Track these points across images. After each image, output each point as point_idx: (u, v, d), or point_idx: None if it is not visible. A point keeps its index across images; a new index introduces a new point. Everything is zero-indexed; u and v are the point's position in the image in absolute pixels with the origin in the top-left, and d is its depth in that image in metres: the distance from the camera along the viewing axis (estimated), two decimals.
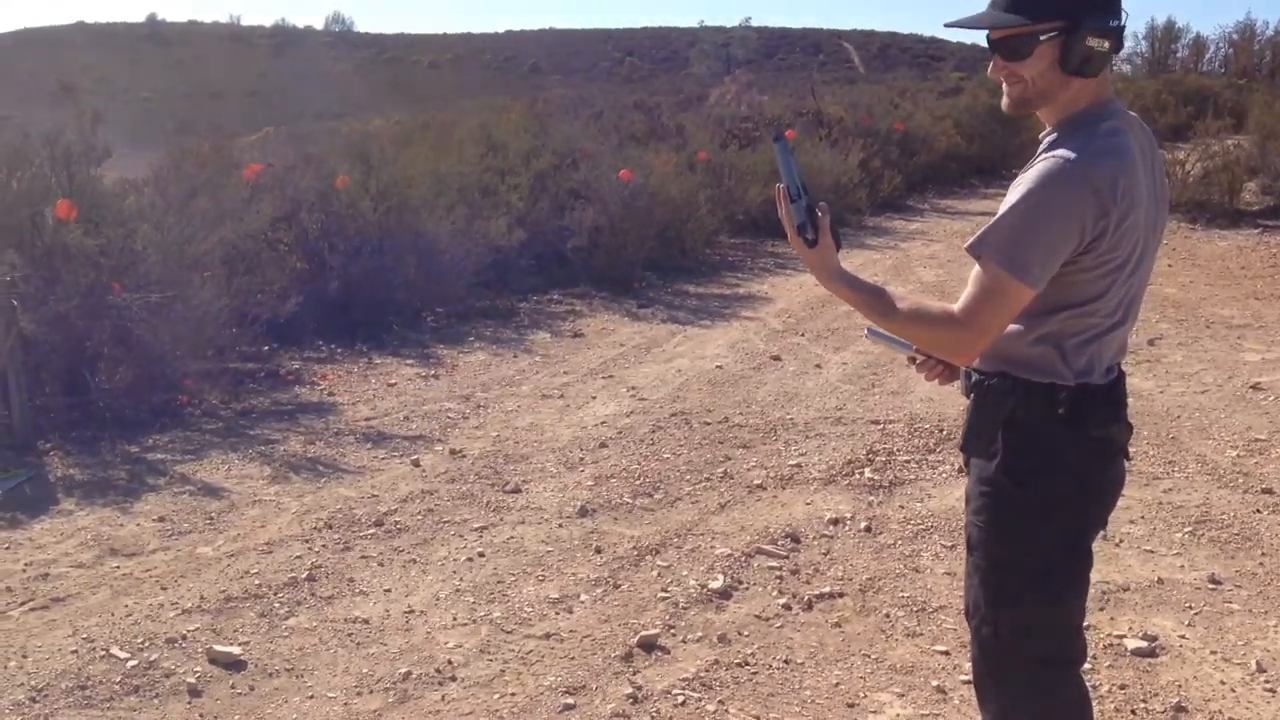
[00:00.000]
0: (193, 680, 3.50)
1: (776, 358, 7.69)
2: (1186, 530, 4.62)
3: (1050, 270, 2.05)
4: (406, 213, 8.92)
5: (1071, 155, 2.03)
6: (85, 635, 3.80)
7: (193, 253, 6.91)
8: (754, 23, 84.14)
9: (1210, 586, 4.12)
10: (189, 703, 3.41)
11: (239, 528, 4.80)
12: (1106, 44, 2.07)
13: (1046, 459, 2.19)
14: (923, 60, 66.52)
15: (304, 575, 4.27)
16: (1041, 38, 2.08)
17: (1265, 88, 28.51)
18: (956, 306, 2.12)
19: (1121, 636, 3.74)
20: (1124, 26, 2.09)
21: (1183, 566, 4.29)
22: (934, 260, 11.87)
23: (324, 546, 4.56)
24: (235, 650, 3.68)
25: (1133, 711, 3.32)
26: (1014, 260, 2.04)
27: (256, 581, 4.23)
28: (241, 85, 65.21)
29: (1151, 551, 4.43)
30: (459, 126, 15.08)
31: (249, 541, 4.64)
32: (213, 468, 5.56)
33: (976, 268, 2.10)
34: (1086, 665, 3.11)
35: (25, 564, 4.41)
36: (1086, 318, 2.13)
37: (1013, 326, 2.15)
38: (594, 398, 6.80)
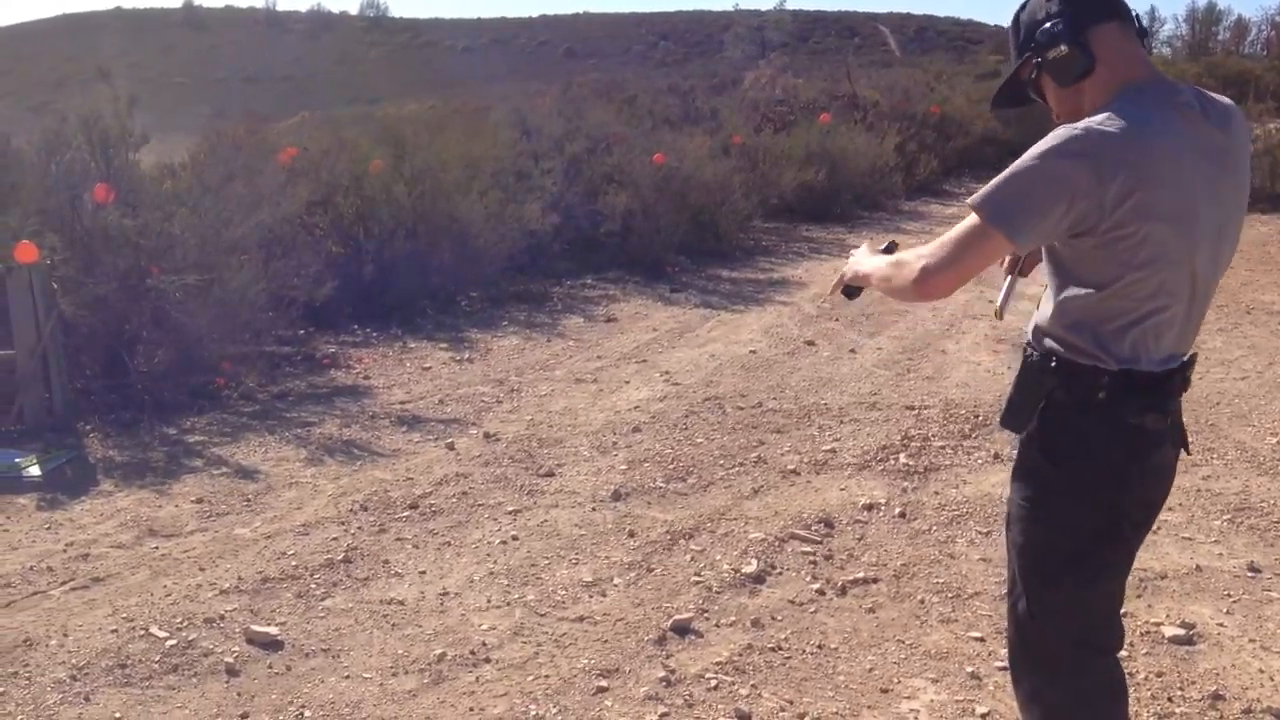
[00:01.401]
0: (230, 660, 3.54)
1: (811, 343, 7.66)
2: (1225, 518, 4.57)
3: (1035, 228, 2.06)
4: (440, 197, 8.95)
5: (1076, 126, 2.05)
6: (125, 615, 3.85)
7: (229, 236, 6.96)
8: (789, 6, 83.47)
9: (1249, 574, 4.08)
10: (227, 682, 3.44)
11: (276, 509, 4.84)
12: (1064, 48, 2.16)
13: (1082, 442, 2.18)
14: (959, 43, 65.88)
15: (340, 557, 4.30)
16: (1033, 74, 2.26)
17: None
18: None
19: (1159, 624, 3.71)
20: (1061, 29, 2.16)
21: (1221, 554, 4.25)
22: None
23: (359, 528, 4.60)
24: (272, 630, 3.72)
25: (1169, 699, 3.29)
26: (995, 209, 2.08)
27: (293, 563, 4.26)
28: (276, 70, 65.49)
29: (1190, 539, 4.39)
30: (493, 111, 15.10)
31: (285, 523, 4.67)
32: (250, 450, 5.61)
33: None
34: (1123, 652, 3.09)
35: (66, 544, 4.47)
36: (1114, 301, 2.10)
37: (1047, 307, 2.19)
38: (627, 382, 6.80)
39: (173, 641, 3.66)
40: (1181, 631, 3.64)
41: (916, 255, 2.20)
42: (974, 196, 2.12)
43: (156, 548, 4.44)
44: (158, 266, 6.44)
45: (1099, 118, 2.06)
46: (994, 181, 2.10)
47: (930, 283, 2.15)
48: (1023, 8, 2.28)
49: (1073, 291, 2.14)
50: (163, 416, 6.05)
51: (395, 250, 8.45)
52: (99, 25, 77.34)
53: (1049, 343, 2.21)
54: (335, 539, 4.49)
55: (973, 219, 2.11)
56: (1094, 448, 2.17)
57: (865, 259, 2.48)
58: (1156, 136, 2.04)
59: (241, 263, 6.89)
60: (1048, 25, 2.18)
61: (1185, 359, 2.22)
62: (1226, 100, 2.23)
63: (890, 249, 2.49)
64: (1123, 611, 2.40)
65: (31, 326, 5.85)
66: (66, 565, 4.27)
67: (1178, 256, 2.09)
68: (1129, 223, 2.02)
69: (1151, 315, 2.12)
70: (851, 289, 2.57)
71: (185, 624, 3.78)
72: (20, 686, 3.40)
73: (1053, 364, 2.19)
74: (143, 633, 3.72)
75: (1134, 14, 2.21)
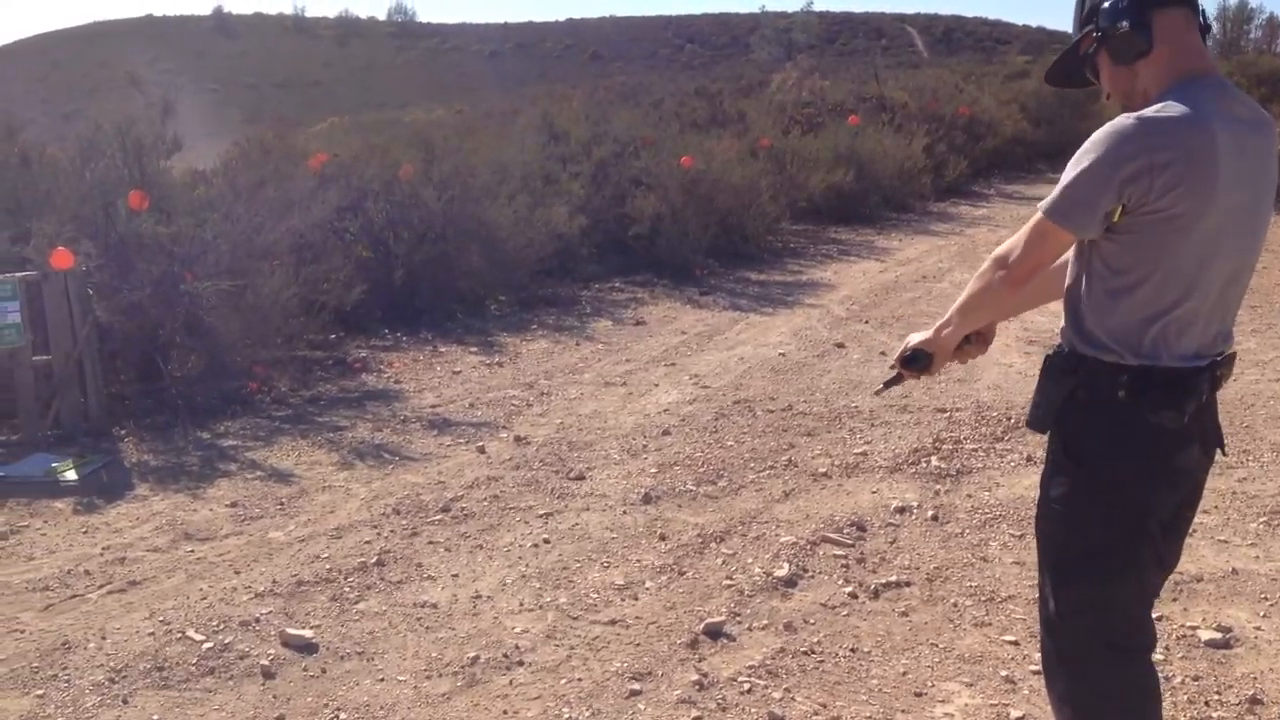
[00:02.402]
0: (266, 662, 3.57)
1: (840, 345, 7.65)
2: (1261, 520, 4.53)
3: (1089, 217, 2.10)
4: (469, 201, 8.99)
5: (1130, 116, 2.08)
6: (162, 618, 3.88)
7: (261, 242, 7.01)
8: (816, 7, 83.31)
9: None
10: (263, 684, 3.47)
11: (309, 513, 4.87)
12: (1125, 24, 2.17)
13: (1103, 440, 2.19)
14: (988, 44, 65.55)
15: (373, 560, 4.32)
16: (1090, 50, 2.28)
17: None
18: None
19: (1195, 627, 3.68)
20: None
21: (1258, 557, 4.21)
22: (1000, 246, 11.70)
23: (392, 532, 4.62)
24: (307, 633, 3.74)
25: (1206, 703, 3.26)
26: (1055, 206, 2.13)
27: (327, 566, 4.29)
28: (306, 76, 65.95)
29: (1225, 541, 4.35)
30: (520, 115, 15.15)
31: (319, 527, 4.70)
32: (283, 454, 5.65)
33: None
34: (1159, 656, 3.07)
35: (103, 548, 4.52)
36: (1138, 293, 2.12)
37: (1072, 305, 2.25)
38: (656, 385, 6.80)
39: (209, 644, 3.69)
40: (1218, 635, 3.61)
41: (990, 259, 2.28)
42: (1044, 201, 2.18)
43: (192, 551, 4.48)
44: (191, 272, 6.50)
45: (1154, 108, 2.09)
46: (1061, 183, 2.14)
47: (1013, 274, 2.23)
48: None
49: (1097, 284, 2.18)
50: (196, 421, 6.10)
51: (425, 254, 8.49)
52: (130, 32, 78.03)
53: (1071, 341, 2.23)
54: (368, 542, 4.52)
55: (1036, 219, 2.18)
56: (1115, 446, 2.17)
57: (939, 332, 2.50)
58: (1207, 128, 2.06)
59: (273, 268, 6.94)
60: (1114, 0, 2.19)
61: (1216, 358, 2.21)
62: (1265, 113, 2.24)
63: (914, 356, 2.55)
64: (1157, 615, 2.39)
65: (67, 332, 5.92)
66: (103, 569, 4.31)
67: (1209, 249, 2.10)
68: (1172, 206, 2.05)
69: (1173, 309, 2.12)
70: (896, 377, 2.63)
71: (221, 627, 3.81)
72: (59, 689, 3.44)
73: (1074, 363, 2.20)
74: (179, 635, 3.76)
75: (1201, 9, 2.23)
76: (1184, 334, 2.15)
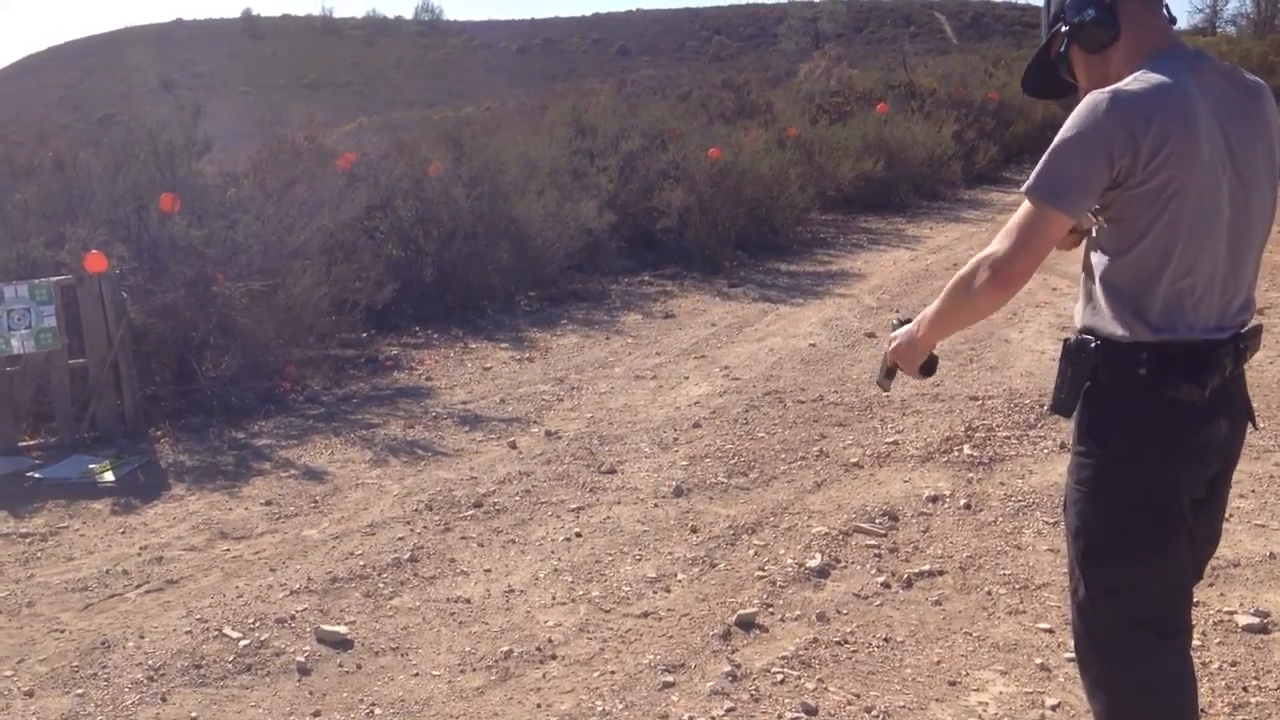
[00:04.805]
0: (302, 659, 3.60)
1: (870, 335, 7.61)
2: None
3: (1083, 195, 2.09)
4: (498, 198, 9.02)
5: (1103, 90, 2.09)
6: (199, 616, 3.93)
7: (292, 242, 7.06)
8: None
9: None
10: (299, 681, 3.50)
11: (343, 510, 4.91)
12: (1091, 12, 2.20)
13: (1126, 419, 2.17)
14: (1017, 29, 64.93)
15: (406, 556, 4.35)
16: (1063, 47, 2.30)
17: None
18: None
19: (1232, 612, 3.64)
20: None
21: None
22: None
23: (425, 528, 4.65)
24: (342, 630, 3.77)
25: (1244, 689, 3.23)
26: (1045, 188, 2.10)
27: (361, 562, 4.32)
28: (335, 76, 66.32)
29: (1263, 526, 4.30)
30: (548, 111, 15.17)
31: (353, 524, 4.74)
32: (316, 452, 5.69)
33: None
34: (1196, 641, 3.04)
35: (140, 548, 4.57)
36: (1145, 261, 2.11)
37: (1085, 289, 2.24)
38: (686, 378, 6.80)
39: (246, 641, 3.72)
40: (1256, 620, 3.58)
41: (976, 259, 2.20)
42: (1026, 183, 2.15)
43: (228, 550, 4.53)
44: (223, 274, 6.56)
45: (1126, 80, 2.12)
46: (1040, 163, 2.13)
47: (1006, 273, 2.15)
48: None
49: (1105, 257, 2.17)
50: (231, 421, 6.16)
51: (455, 251, 8.53)
52: (161, 36, 78.79)
53: (1088, 322, 2.22)
54: (402, 539, 4.54)
55: (1027, 204, 2.14)
56: (1138, 424, 2.16)
57: (906, 328, 2.46)
58: (1183, 93, 2.08)
59: (304, 268, 6.99)
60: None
61: (1240, 329, 2.19)
62: (1256, 78, 2.26)
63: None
64: (1195, 601, 2.35)
65: (102, 335, 5.98)
66: (141, 568, 4.36)
67: (1205, 211, 2.10)
68: (1160, 171, 2.05)
69: (1184, 276, 2.11)
70: (892, 371, 2.58)
71: (257, 624, 3.85)
72: (99, 687, 3.48)
73: (1093, 344, 2.19)
74: (216, 633, 3.80)
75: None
76: (1200, 305, 2.13)
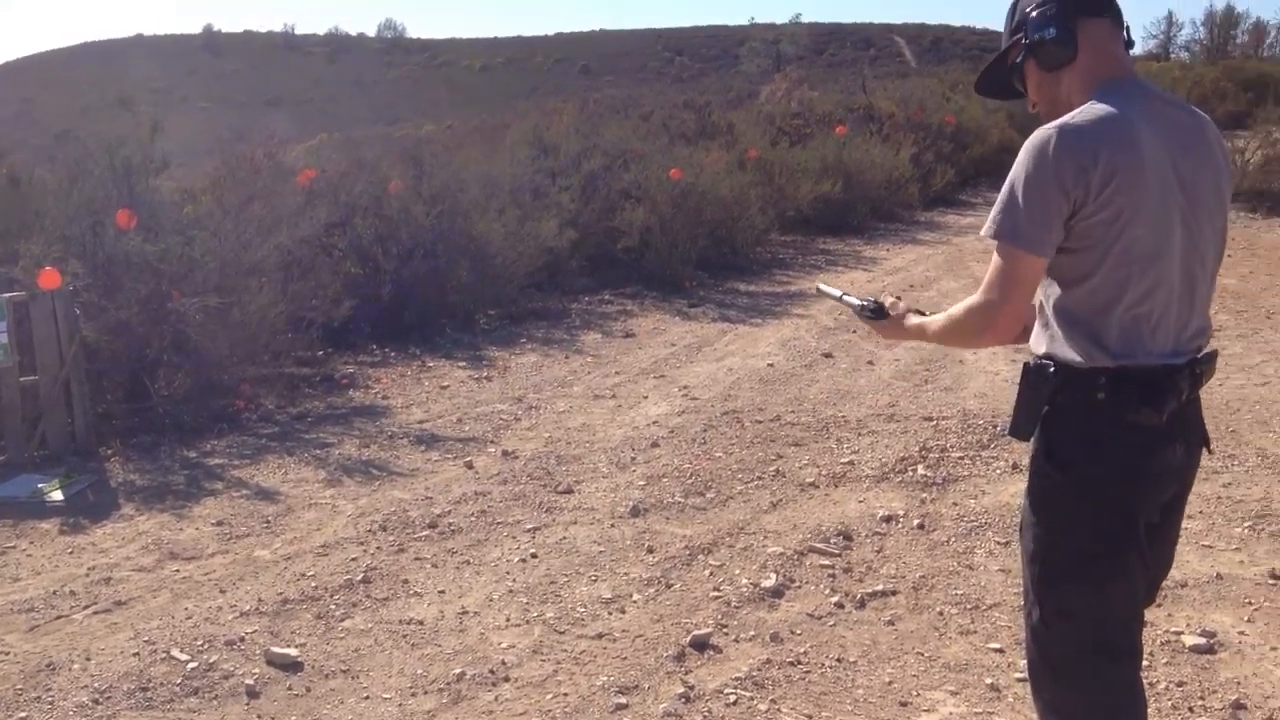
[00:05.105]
0: (251, 682, 3.56)
1: (828, 355, 7.66)
2: (1246, 525, 4.54)
3: (1050, 234, 2.12)
4: (458, 216, 9.00)
5: (1050, 126, 2.13)
6: (146, 638, 3.87)
7: (249, 259, 7.01)
8: (804, 19, 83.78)
9: (1270, 582, 4.04)
10: (247, 704, 3.46)
11: (295, 531, 4.86)
12: (1052, 31, 2.23)
13: (1085, 444, 2.19)
14: (975, 53, 65.70)
15: (359, 577, 4.32)
16: (1020, 58, 2.33)
17: None
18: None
19: (1179, 633, 3.68)
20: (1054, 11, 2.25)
21: (1242, 562, 4.22)
22: (987, 255, 11.56)
23: (379, 548, 4.61)
24: (292, 652, 3.73)
25: (1190, 709, 3.27)
26: (1010, 233, 2.14)
27: (313, 584, 4.28)
28: (296, 93, 66.04)
29: (1210, 546, 4.36)
30: (510, 129, 15.18)
31: (305, 544, 4.70)
32: (269, 472, 5.64)
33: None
34: (1144, 662, 3.07)
35: (88, 568, 4.51)
36: (1100, 289, 2.13)
37: (1041, 314, 2.25)
38: (645, 397, 6.81)
39: (194, 664, 3.68)
40: (1202, 640, 3.62)
41: (966, 307, 2.26)
42: (986, 227, 2.20)
43: (178, 570, 4.47)
44: (178, 290, 6.49)
45: (1072, 113, 2.15)
46: (996, 206, 2.17)
47: (999, 326, 2.22)
48: None
49: (1061, 288, 2.19)
50: (183, 439, 6.09)
51: (414, 270, 8.49)
52: (121, 52, 78.18)
53: (1046, 348, 2.23)
54: (354, 559, 4.51)
55: (999, 251, 2.18)
56: (1097, 449, 2.18)
57: (899, 323, 2.58)
58: (1131, 123, 2.12)
59: (260, 285, 6.94)
60: (1042, 9, 2.25)
61: (1196, 355, 2.22)
62: (1200, 111, 2.32)
63: (876, 308, 2.64)
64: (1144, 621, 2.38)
65: (55, 352, 5.91)
66: (89, 589, 4.30)
67: (1158, 239, 2.13)
68: (1111, 202, 2.08)
69: (1140, 303, 2.14)
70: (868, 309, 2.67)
71: (206, 646, 3.80)
72: (43, 711, 3.43)
73: (1051, 369, 2.21)
74: (164, 655, 3.75)
75: (1124, 23, 2.30)
76: (1156, 331, 2.16)
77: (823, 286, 3.06)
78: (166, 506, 5.19)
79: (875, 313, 2.64)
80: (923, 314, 2.56)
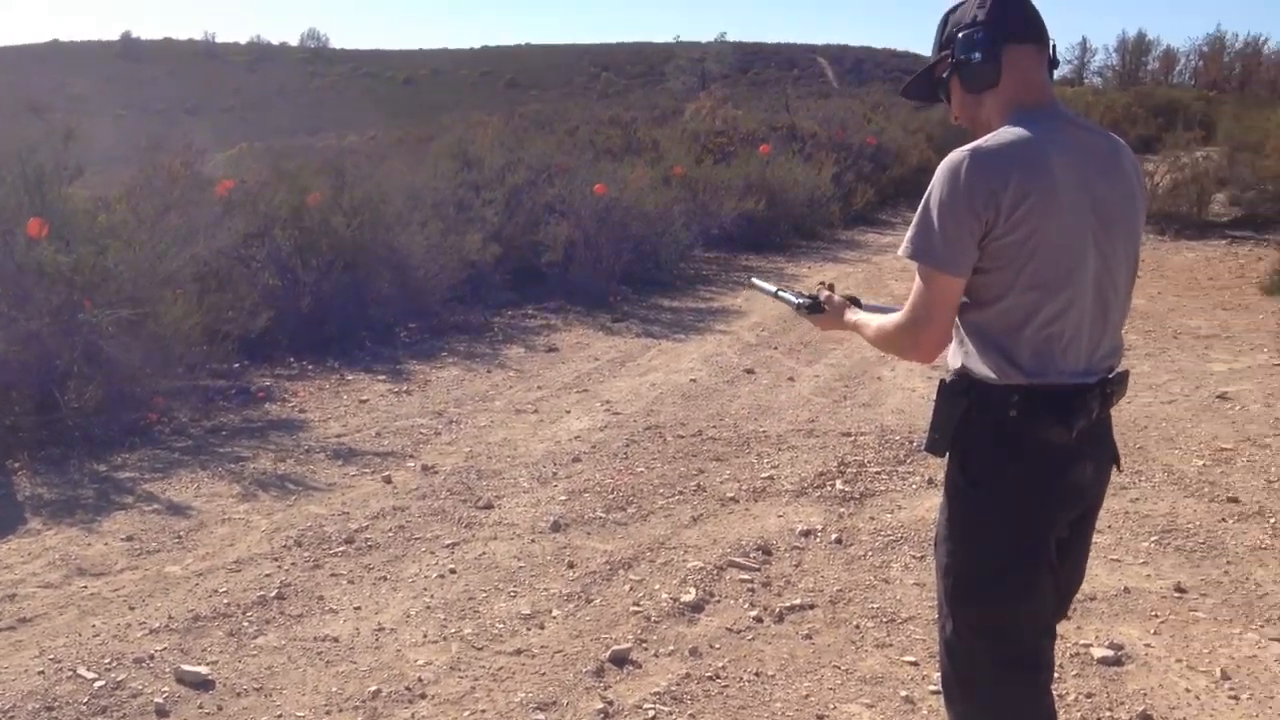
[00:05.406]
0: (160, 700, 3.48)
1: (750, 371, 7.71)
2: (1153, 539, 4.66)
3: (964, 255, 2.16)
4: (380, 228, 8.92)
5: (963, 149, 2.17)
6: (52, 656, 3.77)
7: (164, 270, 6.88)
8: (729, 38, 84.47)
9: (1176, 595, 4.15)
10: None
11: (208, 546, 4.77)
12: (978, 56, 2.27)
13: (997, 461, 2.23)
14: (896, 75, 66.75)
15: (273, 594, 4.25)
16: (945, 74, 2.36)
17: (1234, 100, 28.81)
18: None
19: (1088, 645, 3.76)
20: (982, 34, 2.27)
21: (1149, 575, 4.33)
22: (905, 273, 11.84)
23: (294, 564, 4.54)
24: (203, 670, 3.66)
25: (1099, 719, 3.34)
26: (930, 252, 2.18)
27: (225, 600, 4.20)
28: (216, 102, 65.01)
29: (1118, 560, 4.46)
30: (434, 142, 15.09)
31: (218, 560, 4.61)
32: (182, 486, 5.53)
33: None
34: (1054, 674, 3.13)
35: None
36: (1012, 309, 2.18)
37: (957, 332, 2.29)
38: (568, 412, 6.80)
39: (101, 682, 3.59)
40: (1110, 652, 3.70)
41: (895, 324, 2.32)
42: (904, 247, 2.23)
43: (85, 587, 4.36)
44: (91, 301, 6.35)
45: (986, 137, 2.19)
46: (911, 228, 2.21)
47: (925, 346, 2.27)
48: (955, 8, 2.37)
49: (975, 306, 2.23)
50: (93, 453, 5.95)
51: (333, 282, 8.40)
52: (36, 57, 76.37)
53: (962, 363, 2.26)
54: (268, 575, 4.44)
55: (919, 273, 2.21)
56: (1008, 466, 2.21)
57: (837, 315, 2.65)
58: (1044, 148, 2.16)
59: (176, 296, 6.81)
60: (970, 31, 2.27)
61: (1107, 375, 2.27)
62: (1115, 136, 2.37)
63: (813, 303, 2.72)
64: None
65: None
66: None
67: (1070, 261, 2.18)
68: (1022, 224, 2.12)
69: (1052, 323, 2.18)
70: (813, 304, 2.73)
71: (114, 664, 3.71)
72: None
73: (966, 385, 2.24)
74: (70, 674, 3.65)
75: (1051, 44, 2.32)
76: (1068, 351, 2.20)
77: (756, 280, 3.13)
78: (75, 521, 5.06)
79: (812, 308, 2.71)
80: (859, 304, 2.63)
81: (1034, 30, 2.28)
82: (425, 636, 3.92)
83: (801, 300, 2.74)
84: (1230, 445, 5.81)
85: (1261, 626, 3.91)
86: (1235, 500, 5.05)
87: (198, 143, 11.24)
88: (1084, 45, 47.79)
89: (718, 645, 3.85)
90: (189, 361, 6.85)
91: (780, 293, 2.89)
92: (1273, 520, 4.83)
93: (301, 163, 11.52)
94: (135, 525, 5.01)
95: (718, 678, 3.63)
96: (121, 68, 74.53)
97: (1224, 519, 4.86)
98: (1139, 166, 2.38)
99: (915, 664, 3.67)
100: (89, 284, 6.41)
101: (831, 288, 2.73)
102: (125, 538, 4.86)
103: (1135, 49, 46.57)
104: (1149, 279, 10.68)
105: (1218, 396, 6.71)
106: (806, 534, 4.79)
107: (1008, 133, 2.18)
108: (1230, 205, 14.38)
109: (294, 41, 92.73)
